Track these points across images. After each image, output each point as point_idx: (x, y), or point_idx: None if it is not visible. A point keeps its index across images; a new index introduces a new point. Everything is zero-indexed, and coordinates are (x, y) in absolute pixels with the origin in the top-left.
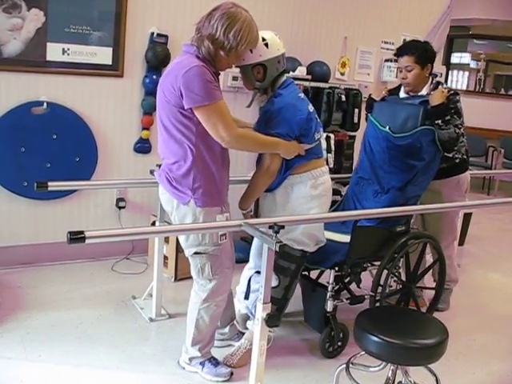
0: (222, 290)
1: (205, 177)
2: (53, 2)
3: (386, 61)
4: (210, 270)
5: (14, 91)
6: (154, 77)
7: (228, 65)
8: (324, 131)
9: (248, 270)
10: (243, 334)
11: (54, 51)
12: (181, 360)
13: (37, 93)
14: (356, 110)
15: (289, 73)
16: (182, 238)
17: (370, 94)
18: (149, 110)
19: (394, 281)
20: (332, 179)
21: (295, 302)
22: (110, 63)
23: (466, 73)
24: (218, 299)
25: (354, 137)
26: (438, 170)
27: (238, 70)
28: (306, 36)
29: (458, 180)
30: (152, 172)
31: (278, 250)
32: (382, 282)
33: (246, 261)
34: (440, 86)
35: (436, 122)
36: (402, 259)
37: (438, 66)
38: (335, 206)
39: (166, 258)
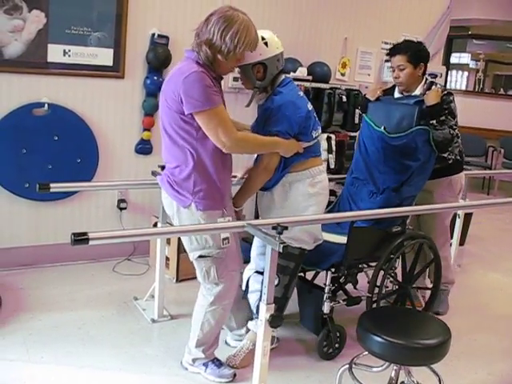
0: (229, 293)
1: (206, 181)
2: (54, 4)
3: (387, 61)
4: (215, 273)
5: (16, 93)
6: (155, 78)
7: (229, 69)
8: (325, 132)
9: (249, 270)
10: None
11: (55, 52)
12: (184, 360)
13: (38, 94)
14: (357, 111)
15: (289, 73)
16: (186, 242)
17: (364, 94)
18: (150, 111)
19: (391, 281)
20: (333, 180)
21: (291, 304)
22: (111, 64)
23: (466, 73)
24: (224, 303)
25: (354, 137)
26: None
27: (238, 70)
28: (306, 37)
29: (450, 180)
30: (153, 173)
31: (281, 250)
32: (378, 283)
33: (248, 261)
34: (434, 86)
35: (431, 122)
36: (398, 260)
37: (438, 66)
38: (330, 207)
39: (167, 259)
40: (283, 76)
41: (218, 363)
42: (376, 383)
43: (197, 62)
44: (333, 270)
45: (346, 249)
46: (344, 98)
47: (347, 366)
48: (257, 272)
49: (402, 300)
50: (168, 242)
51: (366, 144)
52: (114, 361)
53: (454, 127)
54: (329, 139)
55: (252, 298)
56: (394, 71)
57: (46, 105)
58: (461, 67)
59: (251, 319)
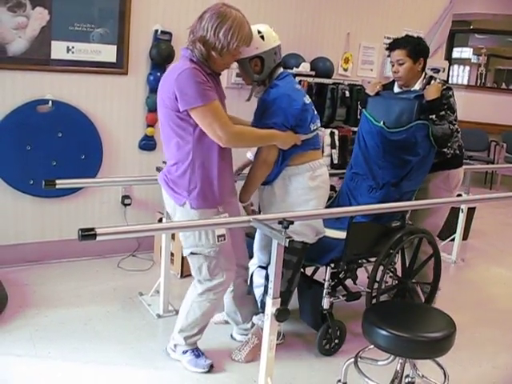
0: (219, 290)
1: (201, 178)
2: (57, 1)
3: (389, 56)
4: (206, 270)
5: (20, 89)
6: (159, 74)
7: (224, 65)
8: (328, 127)
9: (252, 265)
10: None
11: (59, 49)
12: (168, 346)
13: (42, 91)
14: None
15: (292, 69)
16: (182, 238)
17: (364, 89)
18: (153, 108)
19: (390, 277)
20: (336, 175)
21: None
22: (115, 61)
23: (467, 67)
24: (212, 297)
25: None
26: None
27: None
28: (309, 32)
29: (447, 174)
30: (158, 169)
31: (287, 245)
32: (377, 278)
33: (251, 256)
34: (433, 81)
35: (430, 117)
36: (397, 255)
37: (440, 61)
38: (329, 202)
39: (172, 254)
40: (281, 69)
41: (197, 353)
42: (381, 376)
43: (190, 60)
44: (332, 265)
45: (345, 244)
46: (347, 94)
47: (353, 359)
48: (260, 267)
49: (401, 295)
50: (173, 237)
51: (366, 139)
52: (119, 356)
53: (454, 122)
54: (332, 134)
55: (256, 293)
56: (393, 66)
57: (50, 101)
58: (463, 62)
59: (256, 314)
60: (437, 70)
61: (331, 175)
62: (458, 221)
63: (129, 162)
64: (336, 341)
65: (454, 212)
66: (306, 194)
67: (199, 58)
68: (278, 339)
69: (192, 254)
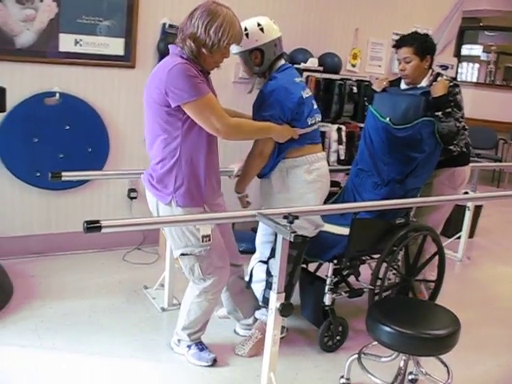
0: (216, 288)
1: (187, 176)
2: None
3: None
4: (199, 270)
5: (28, 82)
6: None
7: (214, 63)
8: (335, 123)
9: (253, 259)
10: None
11: (67, 42)
12: (171, 341)
13: (50, 83)
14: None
15: (300, 64)
16: (169, 240)
17: (370, 85)
18: None
19: (393, 274)
20: (342, 171)
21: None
22: (122, 54)
23: (477, 65)
24: (210, 297)
25: None
26: None
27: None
28: (317, 28)
29: (453, 171)
30: None
31: (292, 240)
32: (380, 275)
33: (254, 251)
34: (440, 78)
35: (436, 114)
36: (401, 252)
37: (449, 58)
38: (334, 198)
39: None
40: (282, 61)
41: (200, 347)
42: (384, 373)
43: (181, 57)
44: (335, 261)
45: (348, 240)
46: (355, 89)
47: (356, 355)
48: (261, 261)
49: (404, 292)
50: None
51: (371, 135)
52: (124, 348)
53: (461, 120)
54: (339, 130)
55: (257, 288)
56: (400, 63)
57: (58, 94)
58: (472, 59)
59: (258, 308)
60: (445, 67)
61: (337, 171)
62: (465, 219)
63: (135, 155)
64: (338, 337)
65: (460, 210)
66: (303, 188)
67: (189, 55)
68: (282, 333)
69: (183, 255)
